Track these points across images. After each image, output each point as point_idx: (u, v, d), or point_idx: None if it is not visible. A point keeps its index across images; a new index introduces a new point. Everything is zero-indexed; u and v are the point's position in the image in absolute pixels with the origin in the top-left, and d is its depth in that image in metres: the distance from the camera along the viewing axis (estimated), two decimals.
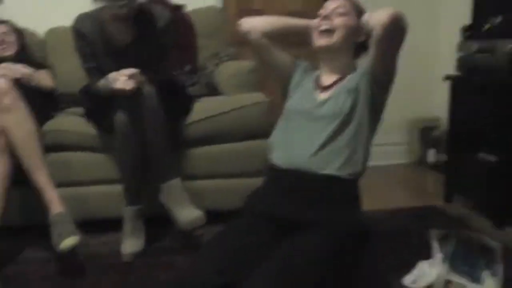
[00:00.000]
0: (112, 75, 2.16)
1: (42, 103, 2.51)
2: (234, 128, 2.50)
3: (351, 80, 1.74)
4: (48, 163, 2.21)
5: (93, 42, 2.35)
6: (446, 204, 2.98)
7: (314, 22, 1.79)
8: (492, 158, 2.69)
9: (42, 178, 2.13)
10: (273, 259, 1.42)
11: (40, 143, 2.19)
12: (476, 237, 2.06)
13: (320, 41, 1.75)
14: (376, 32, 1.57)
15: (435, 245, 2.01)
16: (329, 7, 1.77)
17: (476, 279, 1.80)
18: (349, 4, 1.78)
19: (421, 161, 3.95)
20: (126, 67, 2.16)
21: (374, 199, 2.99)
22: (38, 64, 2.75)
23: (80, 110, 2.55)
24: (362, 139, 1.70)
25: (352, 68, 1.81)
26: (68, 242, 2.03)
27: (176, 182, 2.24)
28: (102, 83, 2.25)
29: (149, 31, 2.38)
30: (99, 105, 2.33)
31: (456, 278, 1.82)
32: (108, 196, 2.46)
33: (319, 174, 1.63)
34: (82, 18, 2.36)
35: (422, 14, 3.94)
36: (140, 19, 2.37)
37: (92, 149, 2.45)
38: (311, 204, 1.60)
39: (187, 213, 2.19)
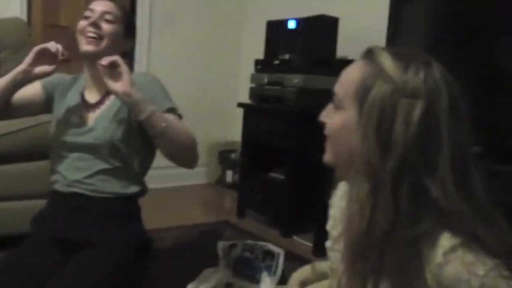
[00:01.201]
0: None
1: None
2: (22, 148, 2.36)
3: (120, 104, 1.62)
4: None
5: None
6: (239, 220, 3.25)
7: (80, 24, 1.65)
8: (281, 176, 3.04)
9: None
10: (55, 278, 1.43)
11: None
12: (260, 245, 2.32)
13: (86, 47, 1.62)
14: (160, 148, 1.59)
15: (221, 254, 2.23)
16: (96, 9, 1.65)
17: (256, 280, 2.04)
18: (117, 10, 1.69)
19: (220, 182, 4.23)
20: None
21: (172, 217, 3.15)
22: None
23: None
24: (136, 162, 1.68)
25: None
26: None
27: None
28: None
29: None
30: None
31: (237, 281, 2.03)
32: None
33: (95, 197, 1.62)
34: None
35: (226, 47, 4.30)
36: None
37: None
38: (91, 224, 1.60)
39: None
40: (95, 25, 1.62)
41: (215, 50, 4.26)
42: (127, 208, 1.69)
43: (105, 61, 1.44)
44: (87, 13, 1.65)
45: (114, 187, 1.63)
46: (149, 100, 1.51)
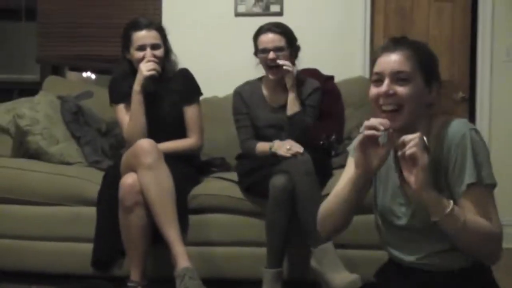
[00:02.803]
0: (277, 142, 2.47)
1: (188, 168, 2.65)
2: None
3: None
4: (191, 224, 2.42)
5: (250, 104, 2.65)
6: None
7: (371, 93, 1.39)
8: None
9: (172, 233, 2.22)
10: None
11: (175, 201, 2.30)
12: None
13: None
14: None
15: None
16: (385, 70, 1.36)
17: None
18: (410, 58, 1.36)
19: None
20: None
21: None
22: None
23: (228, 174, 2.73)
24: None
25: (430, 133, 1.39)
26: None
27: (328, 246, 2.24)
28: (261, 146, 2.55)
29: (300, 96, 2.62)
30: (254, 168, 2.49)
31: None
32: (249, 257, 2.51)
33: (437, 272, 1.41)
34: (244, 84, 2.74)
35: None
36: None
37: (236, 212, 2.54)
38: None
39: (342, 277, 2.16)
40: (387, 95, 1.34)
41: None
42: (477, 278, 1.42)
43: (404, 149, 1.26)
44: (375, 77, 1.39)
45: (454, 263, 1.40)
46: (456, 171, 1.33)
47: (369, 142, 1.32)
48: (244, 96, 2.66)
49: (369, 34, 3.56)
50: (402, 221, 1.44)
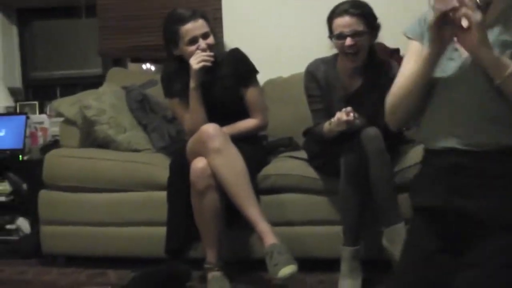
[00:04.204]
0: (335, 118, 2.19)
1: (255, 149, 2.58)
2: None
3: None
4: (264, 205, 2.33)
5: (324, 85, 2.41)
6: None
7: None
8: None
9: (254, 212, 2.17)
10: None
11: (250, 181, 2.24)
12: None
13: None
14: None
15: None
16: None
17: None
18: None
19: None
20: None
21: None
22: None
23: (297, 153, 2.65)
24: None
25: None
26: (286, 270, 2.02)
27: (400, 227, 2.15)
28: (326, 126, 2.30)
29: (378, 79, 2.34)
30: (323, 147, 2.39)
31: None
32: (324, 236, 2.45)
33: (481, 152, 1.31)
34: (317, 63, 2.45)
35: None
36: (372, 67, 2.39)
37: (310, 191, 2.47)
38: (476, 190, 1.30)
39: None
40: None
41: None
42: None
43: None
44: None
45: (499, 139, 1.30)
46: None
47: (443, 17, 1.25)
48: (318, 77, 2.41)
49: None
50: (451, 71, 1.35)
